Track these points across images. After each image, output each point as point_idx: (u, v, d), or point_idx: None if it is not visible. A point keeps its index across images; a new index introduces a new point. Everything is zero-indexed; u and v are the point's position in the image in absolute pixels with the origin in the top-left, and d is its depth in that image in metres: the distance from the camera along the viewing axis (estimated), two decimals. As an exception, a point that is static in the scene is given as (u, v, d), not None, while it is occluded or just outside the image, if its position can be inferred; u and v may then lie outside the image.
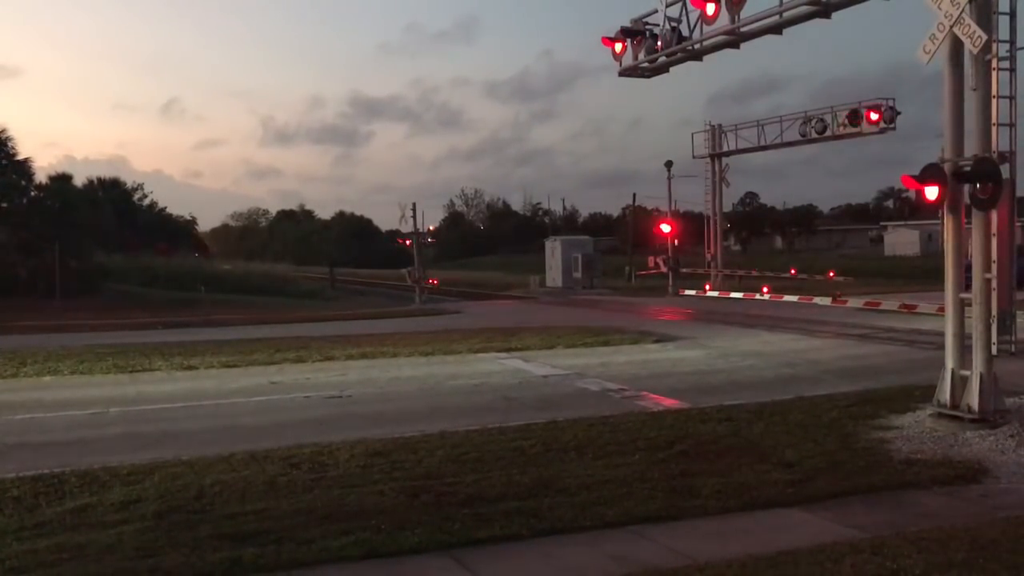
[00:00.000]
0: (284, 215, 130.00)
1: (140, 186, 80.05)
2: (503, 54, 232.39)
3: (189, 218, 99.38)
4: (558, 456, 9.54)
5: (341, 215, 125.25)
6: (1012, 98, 10.44)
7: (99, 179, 69.57)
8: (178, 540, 6.94)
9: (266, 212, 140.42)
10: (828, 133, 35.24)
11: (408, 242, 44.78)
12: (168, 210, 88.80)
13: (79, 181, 56.30)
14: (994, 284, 10.31)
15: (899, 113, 33.57)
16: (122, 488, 8.39)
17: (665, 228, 43.29)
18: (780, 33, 15.45)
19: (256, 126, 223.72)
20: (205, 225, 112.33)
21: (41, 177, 44.32)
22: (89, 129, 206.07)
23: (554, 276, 50.22)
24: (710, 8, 15.98)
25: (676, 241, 43.43)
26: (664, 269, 43.08)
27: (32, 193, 43.02)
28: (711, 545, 6.98)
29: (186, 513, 7.65)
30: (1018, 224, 10.93)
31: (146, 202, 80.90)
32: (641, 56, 18.81)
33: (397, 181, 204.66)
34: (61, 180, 45.94)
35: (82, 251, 41.99)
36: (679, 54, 17.97)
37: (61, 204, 42.47)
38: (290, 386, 15.45)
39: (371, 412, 13.11)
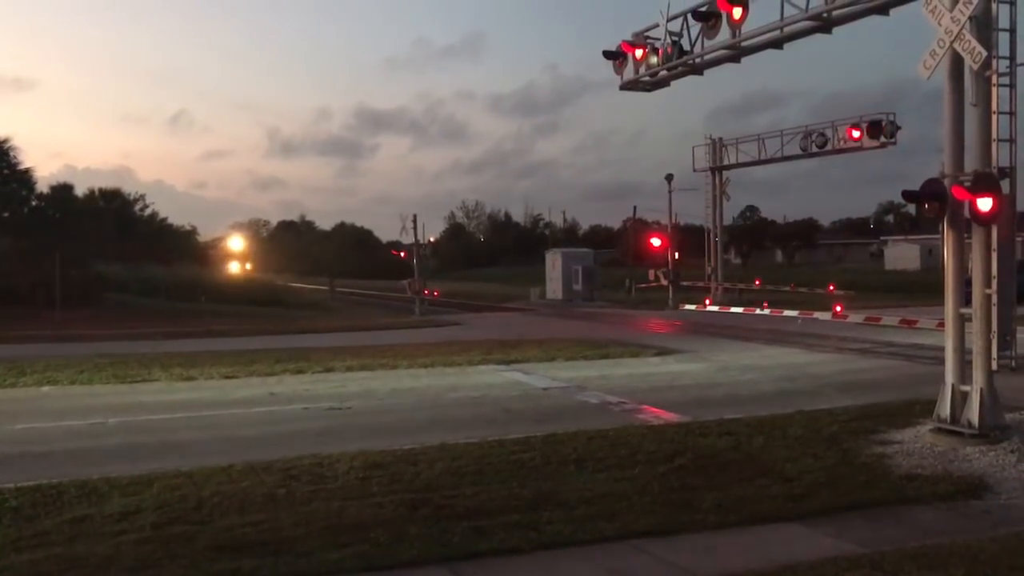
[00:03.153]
0: (284, 226, 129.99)
1: (141, 196, 79.87)
2: (508, 69, 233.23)
3: (189, 228, 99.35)
4: (558, 469, 9.52)
5: (342, 226, 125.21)
6: (1012, 114, 10.46)
7: (100, 189, 69.51)
8: (176, 552, 6.93)
9: (267, 222, 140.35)
10: (829, 147, 35.30)
11: (404, 254, 44.84)
12: (169, 220, 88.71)
13: (84, 191, 56.56)
14: (994, 299, 10.31)
15: (900, 128, 33.62)
16: (121, 499, 8.38)
17: (655, 242, 43.32)
18: (781, 48, 15.49)
19: (262, 137, 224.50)
20: (206, 235, 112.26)
21: (44, 187, 44.48)
22: (97, 140, 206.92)
23: (554, 288, 50.24)
24: (711, 22, 16.05)
25: (676, 254, 43.46)
26: (664, 282, 43.10)
27: (33, 203, 43.10)
28: (710, 560, 6.97)
29: (185, 524, 7.63)
30: (1018, 239, 10.92)
31: (147, 212, 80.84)
32: (642, 70, 18.87)
33: (400, 193, 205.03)
34: (62, 190, 46.08)
35: (82, 261, 42.02)
36: (680, 68, 18.02)
37: (62, 214, 42.55)
38: (289, 397, 15.43)
39: (370, 424, 13.10)
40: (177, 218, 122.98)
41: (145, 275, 54.98)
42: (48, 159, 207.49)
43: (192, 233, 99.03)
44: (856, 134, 33.75)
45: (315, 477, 9.22)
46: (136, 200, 77.42)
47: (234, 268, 79.65)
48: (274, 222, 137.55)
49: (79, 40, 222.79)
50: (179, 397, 15.52)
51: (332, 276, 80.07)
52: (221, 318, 35.95)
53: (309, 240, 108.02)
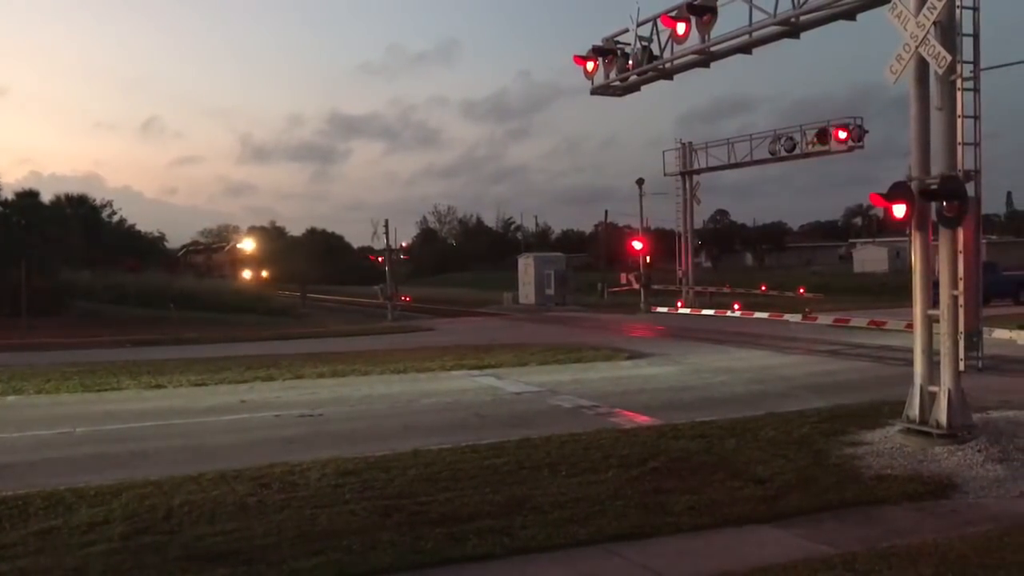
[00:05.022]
0: (254, 232, 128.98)
1: (109, 203, 78.99)
2: (481, 75, 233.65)
3: (158, 235, 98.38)
4: (531, 474, 9.51)
5: (312, 232, 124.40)
6: (977, 118, 10.60)
7: (67, 195, 68.67)
8: (146, 562, 6.84)
9: (236, 228, 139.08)
10: (797, 151, 35.66)
11: (381, 259, 44.69)
12: (138, 227, 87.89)
13: (51, 198, 55.95)
14: (961, 301, 10.44)
15: (867, 132, 34.02)
16: (89, 510, 8.25)
17: (637, 245, 43.52)
18: (750, 53, 15.64)
19: (234, 143, 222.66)
20: (175, 242, 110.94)
21: (9, 194, 43.86)
22: (67, 147, 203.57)
23: (527, 293, 50.28)
24: (680, 27, 16.18)
25: (648, 258, 43.64)
26: (636, 286, 43.26)
27: (-2, 209, 42.52)
28: (684, 562, 7.00)
29: (154, 535, 7.54)
30: (984, 241, 11.07)
31: (115, 219, 79.97)
32: (612, 75, 18.97)
33: (372, 198, 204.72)
34: (28, 197, 45.41)
35: (49, 268, 41.45)
36: (650, 73, 18.15)
37: (27, 221, 41.96)
38: (260, 405, 15.31)
39: (343, 431, 13.01)
40: (146, 225, 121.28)
41: (113, 282, 54.37)
42: (15, 166, 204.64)
43: (161, 239, 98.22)
44: (824, 138, 34.09)
45: (287, 485, 9.15)
46: (103, 206, 76.69)
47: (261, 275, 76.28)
48: (244, 228, 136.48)
49: (51, 46, 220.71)
50: (148, 405, 15.34)
51: (304, 282, 79.46)
52: (191, 325, 35.58)
53: (279, 246, 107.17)
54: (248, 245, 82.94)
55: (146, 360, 22.06)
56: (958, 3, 10.45)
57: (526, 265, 51.17)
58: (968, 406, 10.80)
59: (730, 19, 15.46)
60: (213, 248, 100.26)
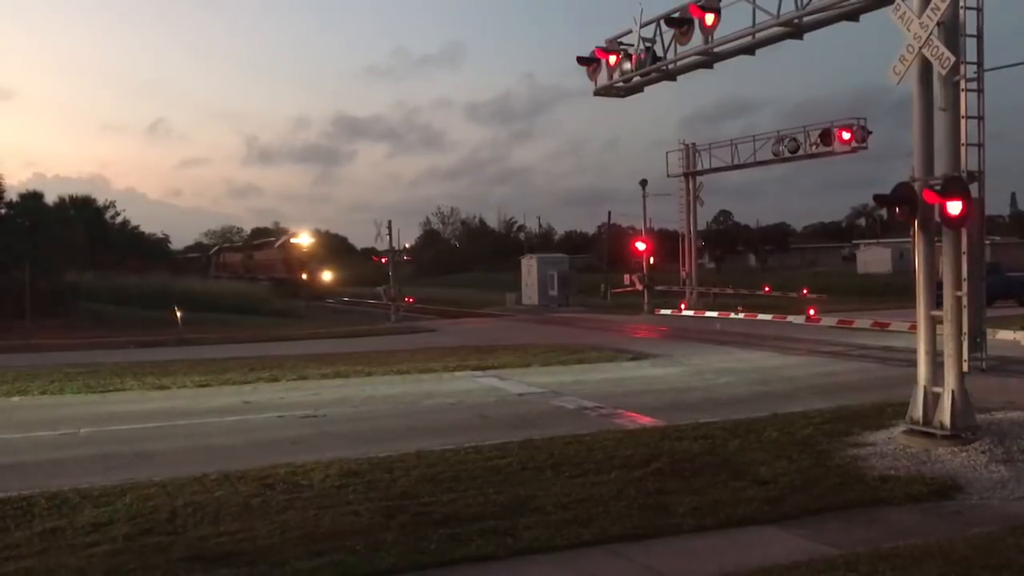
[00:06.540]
0: (257, 233, 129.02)
1: (113, 204, 79.17)
2: (485, 77, 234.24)
3: (162, 236, 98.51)
4: (534, 475, 9.52)
5: (316, 233, 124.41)
6: (980, 118, 10.58)
7: (71, 197, 68.79)
8: (150, 563, 6.85)
9: (240, 230, 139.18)
10: (801, 152, 35.52)
11: (384, 259, 44.73)
12: (142, 228, 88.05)
13: (56, 199, 56.09)
14: (965, 301, 10.42)
15: (871, 133, 33.89)
16: (93, 510, 8.28)
17: (640, 246, 43.47)
18: (753, 54, 15.64)
19: (240, 145, 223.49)
20: (179, 243, 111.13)
21: (14, 196, 43.92)
22: (75, 149, 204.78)
23: (530, 294, 50.28)
24: (684, 28, 16.19)
25: (651, 259, 43.61)
26: (639, 287, 43.22)
27: (2, 211, 42.53)
28: (687, 563, 6.99)
29: (158, 535, 7.56)
30: (988, 242, 11.04)
31: (119, 220, 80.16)
32: (616, 75, 18.98)
33: (376, 199, 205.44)
34: (32, 198, 45.46)
35: (53, 269, 41.46)
36: (653, 74, 18.17)
37: (31, 222, 42.01)
38: (264, 405, 15.32)
39: (346, 431, 13.03)
40: (150, 226, 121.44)
41: (117, 283, 54.42)
42: (20, 168, 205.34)
43: (164, 241, 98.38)
44: (828, 139, 34.00)
45: (290, 486, 9.16)
46: (107, 208, 76.86)
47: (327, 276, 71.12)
48: (248, 229, 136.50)
49: (58, 49, 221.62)
50: (152, 406, 15.36)
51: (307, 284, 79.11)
52: (194, 326, 35.57)
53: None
54: (305, 240, 76.26)
55: (150, 361, 22.11)
56: (962, 3, 10.44)
57: (529, 266, 51.17)
58: (972, 407, 10.77)
59: (733, 20, 15.49)
60: (254, 246, 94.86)
